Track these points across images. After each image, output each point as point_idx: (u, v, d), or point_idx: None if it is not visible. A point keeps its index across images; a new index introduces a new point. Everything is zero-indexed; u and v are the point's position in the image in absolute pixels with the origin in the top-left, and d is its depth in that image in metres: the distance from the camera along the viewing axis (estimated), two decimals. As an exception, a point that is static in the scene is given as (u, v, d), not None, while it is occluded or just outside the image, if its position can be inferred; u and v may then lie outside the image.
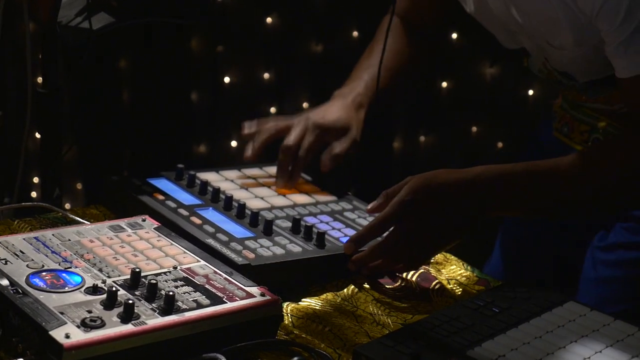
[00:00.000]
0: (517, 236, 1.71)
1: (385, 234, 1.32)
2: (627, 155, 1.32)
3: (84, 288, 1.12)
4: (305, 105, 2.85)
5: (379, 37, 1.67)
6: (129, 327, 1.05)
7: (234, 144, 2.87)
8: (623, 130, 1.45)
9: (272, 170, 1.61)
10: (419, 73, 1.78)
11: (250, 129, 1.58)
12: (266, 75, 2.84)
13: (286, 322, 1.21)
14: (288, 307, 1.24)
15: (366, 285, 1.32)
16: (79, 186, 2.81)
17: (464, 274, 1.40)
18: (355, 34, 2.83)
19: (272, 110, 2.88)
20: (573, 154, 1.36)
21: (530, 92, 2.76)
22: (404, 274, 1.36)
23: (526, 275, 1.66)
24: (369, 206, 1.37)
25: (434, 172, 1.33)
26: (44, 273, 1.14)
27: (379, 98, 1.60)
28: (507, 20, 1.42)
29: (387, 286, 1.33)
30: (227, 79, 2.84)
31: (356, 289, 1.31)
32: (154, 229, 1.31)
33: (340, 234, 1.40)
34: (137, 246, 1.25)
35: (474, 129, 2.83)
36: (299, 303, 1.26)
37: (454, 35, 2.76)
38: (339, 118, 1.57)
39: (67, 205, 2.72)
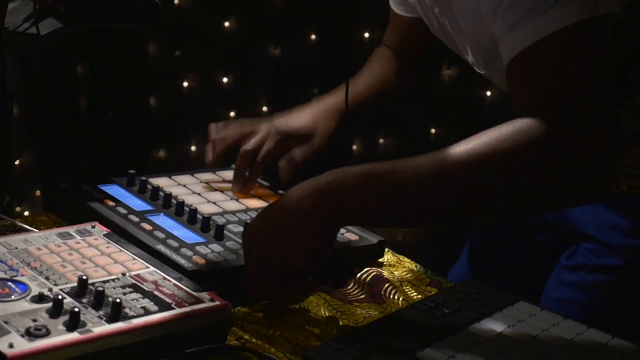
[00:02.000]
0: (485, 245, 1.69)
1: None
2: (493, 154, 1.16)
3: (29, 297, 1.11)
4: (264, 109, 2.85)
5: (365, 67, 1.68)
6: (74, 335, 1.04)
7: (193, 148, 2.86)
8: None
9: (226, 174, 1.60)
10: (404, 93, 1.73)
11: (217, 132, 1.57)
12: (225, 80, 2.84)
13: (236, 327, 1.20)
14: (239, 312, 1.24)
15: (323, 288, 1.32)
16: (37, 193, 2.79)
17: (416, 275, 1.40)
18: (312, 37, 2.83)
19: (232, 114, 2.88)
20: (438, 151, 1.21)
21: (488, 93, 2.77)
22: (357, 276, 1.36)
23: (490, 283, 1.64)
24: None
25: (290, 190, 1.23)
26: (-11, 282, 1.13)
27: (359, 110, 1.59)
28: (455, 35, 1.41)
29: (339, 289, 1.33)
30: (185, 84, 2.83)
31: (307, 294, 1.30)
32: (103, 235, 1.30)
33: (292, 237, 1.39)
34: (86, 253, 1.24)
35: (433, 130, 2.84)
36: (250, 307, 1.25)
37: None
38: (303, 125, 1.57)
39: (26, 213, 2.70)
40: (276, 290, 1.23)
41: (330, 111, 1.58)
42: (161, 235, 1.34)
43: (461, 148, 1.18)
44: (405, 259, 1.44)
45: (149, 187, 1.48)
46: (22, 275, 1.16)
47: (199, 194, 1.51)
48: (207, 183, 1.56)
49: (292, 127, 1.56)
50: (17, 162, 2.70)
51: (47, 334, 1.04)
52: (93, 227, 1.32)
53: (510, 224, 1.63)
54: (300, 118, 1.58)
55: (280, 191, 1.56)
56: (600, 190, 1.19)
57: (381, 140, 2.87)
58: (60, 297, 1.09)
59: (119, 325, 1.08)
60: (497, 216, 1.33)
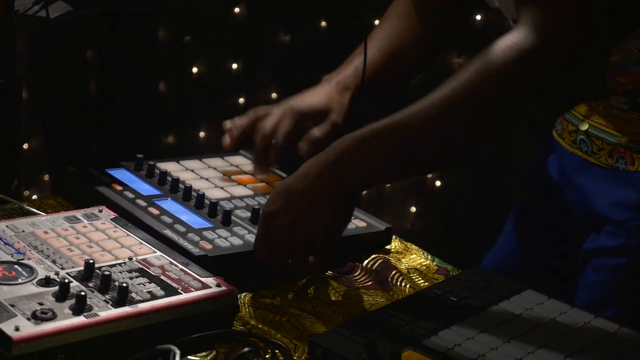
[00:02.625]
0: (520, 235, 1.67)
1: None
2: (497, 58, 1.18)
3: (36, 280, 1.11)
4: (274, 95, 2.84)
5: (382, 23, 1.63)
6: (80, 319, 1.04)
7: (202, 134, 2.86)
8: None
9: (234, 159, 1.60)
10: (426, 58, 1.67)
11: (231, 123, 1.56)
12: (234, 66, 2.84)
13: (243, 312, 1.20)
14: (245, 297, 1.24)
15: (329, 273, 1.32)
16: (46, 177, 2.79)
17: (423, 263, 1.39)
18: (323, 24, 2.82)
19: (241, 100, 2.87)
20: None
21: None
22: (364, 263, 1.36)
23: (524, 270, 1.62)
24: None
25: (302, 166, 1.25)
26: (-4, 265, 1.13)
27: (372, 82, 1.55)
28: None
29: (346, 275, 1.33)
30: (195, 70, 2.83)
31: (314, 278, 1.30)
32: (111, 219, 1.30)
33: (299, 223, 1.39)
34: (93, 237, 1.24)
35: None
36: (257, 293, 1.25)
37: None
38: (318, 102, 1.54)
39: (34, 197, 2.71)
40: (301, 264, 1.25)
41: (341, 86, 1.56)
42: (168, 220, 1.33)
43: (456, 82, 1.20)
44: (413, 246, 1.44)
45: (157, 171, 1.48)
46: (29, 259, 1.16)
47: (207, 179, 1.51)
48: (227, 175, 1.53)
49: (307, 104, 1.54)
50: (26, 146, 2.70)
51: (53, 317, 1.04)
52: (100, 211, 1.32)
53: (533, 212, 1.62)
54: (314, 96, 1.55)
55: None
56: (594, 86, 1.23)
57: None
58: (66, 280, 1.09)
59: (125, 310, 1.08)
60: (503, 131, 1.30)
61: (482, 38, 1.82)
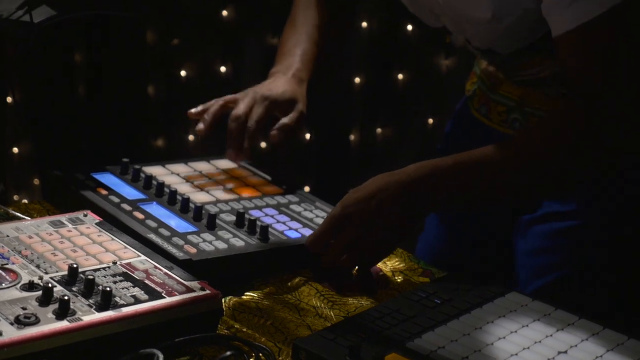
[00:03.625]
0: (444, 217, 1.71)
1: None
2: (558, 133, 1.31)
3: (19, 285, 1.11)
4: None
5: (299, 8, 1.70)
6: (64, 324, 1.04)
7: (191, 137, 2.86)
8: (550, 110, 1.45)
9: (220, 163, 1.60)
10: (341, 46, 1.80)
11: (196, 110, 1.57)
12: (223, 69, 2.84)
13: (228, 316, 1.20)
14: (230, 301, 1.24)
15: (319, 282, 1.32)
16: (36, 181, 2.79)
17: (408, 266, 1.40)
18: (286, 24, 2.82)
19: (230, 103, 2.86)
20: (502, 141, 1.36)
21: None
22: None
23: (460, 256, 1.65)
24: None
25: (369, 181, 1.32)
26: (-21, 270, 1.13)
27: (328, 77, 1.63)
28: (430, 1, 1.43)
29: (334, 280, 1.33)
30: (183, 73, 2.83)
31: (301, 281, 1.30)
32: (95, 224, 1.30)
33: (285, 227, 1.39)
34: (77, 242, 1.24)
35: (430, 120, 2.84)
36: (241, 297, 1.25)
37: (409, 27, 2.76)
38: (285, 91, 1.58)
39: (24, 201, 2.70)
40: (355, 261, 1.32)
41: (297, 78, 1.61)
42: (153, 224, 1.33)
43: (525, 152, 1.33)
44: (398, 249, 1.44)
45: (142, 175, 1.48)
46: (13, 264, 1.16)
47: (192, 182, 1.51)
48: (208, 177, 1.54)
49: (276, 92, 1.57)
50: (16, 150, 2.70)
51: (37, 322, 1.04)
52: (85, 215, 1.32)
53: None
54: (280, 87, 1.59)
55: (285, 186, 1.55)
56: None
57: (379, 130, 2.86)
58: (50, 285, 1.09)
59: (109, 314, 1.08)
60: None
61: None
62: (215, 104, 1.56)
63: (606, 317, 1.21)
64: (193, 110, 1.57)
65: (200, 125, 1.55)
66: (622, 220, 1.45)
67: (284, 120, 1.56)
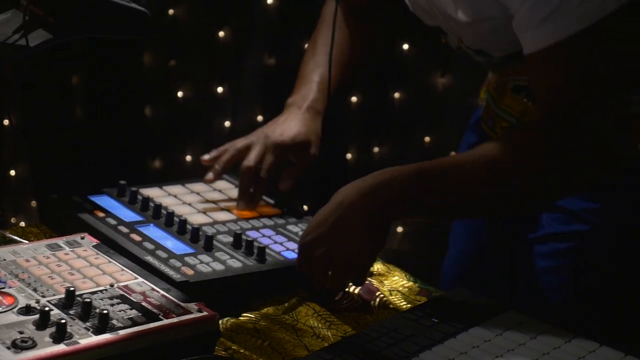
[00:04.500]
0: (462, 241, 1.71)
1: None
2: (527, 151, 1.27)
3: (16, 308, 1.11)
4: (259, 118, 2.85)
5: (322, 30, 1.66)
6: (60, 347, 1.04)
7: (188, 158, 2.86)
8: (527, 123, 1.43)
9: (218, 184, 1.60)
10: (369, 61, 1.76)
11: (211, 155, 1.57)
12: (219, 89, 2.84)
13: (225, 337, 1.20)
14: (227, 322, 1.24)
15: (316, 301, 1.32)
16: (34, 204, 2.79)
17: (406, 285, 1.40)
18: (307, 46, 2.83)
19: (227, 124, 2.88)
20: (480, 148, 1.31)
21: (482, 101, 2.77)
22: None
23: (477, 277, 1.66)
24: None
25: (333, 196, 1.30)
26: (-24, 294, 1.13)
27: (333, 97, 1.59)
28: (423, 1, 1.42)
29: (335, 298, 1.33)
30: (180, 94, 2.83)
31: (297, 302, 1.31)
32: (93, 246, 1.30)
33: (282, 247, 1.40)
34: (74, 265, 1.24)
35: (427, 139, 2.84)
36: (239, 318, 1.25)
37: (405, 46, 2.77)
38: (298, 133, 1.56)
39: (22, 224, 2.70)
40: (339, 284, 1.31)
41: (312, 112, 1.59)
42: (150, 246, 1.34)
43: (497, 166, 1.28)
44: (396, 268, 1.44)
45: (139, 197, 1.48)
46: (10, 287, 1.16)
47: (190, 204, 1.51)
48: (214, 202, 1.54)
49: (288, 137, 1.55)
50: (13, 173, 2.70)
51: (34, 346, 1.04)
52: (82, 238, 1.32)
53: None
54: (292, 128, 1.57)
55: (285, 208, 1.55)
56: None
57: (376, 149, 2.86)
58: (47, 308, 1.09)
59: (106, 337, 1.08)
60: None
61: (463, 59, 1.84)
62: (226, 154, 1.56)
63: (604, 334, 1.21)
64: (206, 156, 1.58)
65: (210, 175, 1.56)
66: (622, 241, 1.45)
67: (293, 170, 1.56)
